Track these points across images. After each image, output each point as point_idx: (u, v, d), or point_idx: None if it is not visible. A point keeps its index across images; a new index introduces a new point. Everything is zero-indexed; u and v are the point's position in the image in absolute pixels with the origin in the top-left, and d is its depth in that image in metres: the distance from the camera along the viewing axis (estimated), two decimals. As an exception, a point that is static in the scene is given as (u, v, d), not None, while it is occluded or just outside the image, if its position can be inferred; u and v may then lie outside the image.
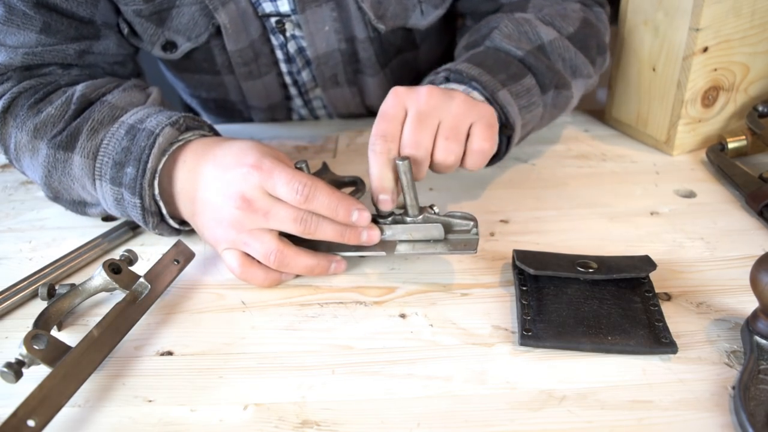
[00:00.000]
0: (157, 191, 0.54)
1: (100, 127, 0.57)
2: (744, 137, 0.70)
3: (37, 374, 0.43)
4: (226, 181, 0.51)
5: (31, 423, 0.39)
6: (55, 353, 0.44)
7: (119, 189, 0.55)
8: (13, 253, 0.61)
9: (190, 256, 0.57)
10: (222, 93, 0.81)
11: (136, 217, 0.56)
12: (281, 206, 0.51)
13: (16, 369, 0.42)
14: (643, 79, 0.74)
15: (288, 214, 0.51)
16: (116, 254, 0.58)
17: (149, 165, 0.53)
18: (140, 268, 0.54)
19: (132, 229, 0.63)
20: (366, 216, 0.52)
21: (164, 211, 0.56)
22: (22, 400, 0.40)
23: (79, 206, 0.63)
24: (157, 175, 0.54)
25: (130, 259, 0.54)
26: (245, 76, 0.76)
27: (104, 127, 0.57)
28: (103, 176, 0.55)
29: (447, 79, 0.61)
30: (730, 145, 0.70)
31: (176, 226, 0.58)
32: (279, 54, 0.76)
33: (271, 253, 0.52)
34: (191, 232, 0.60)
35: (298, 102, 0.84)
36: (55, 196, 0.62)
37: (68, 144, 0.57)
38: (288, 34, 0.73)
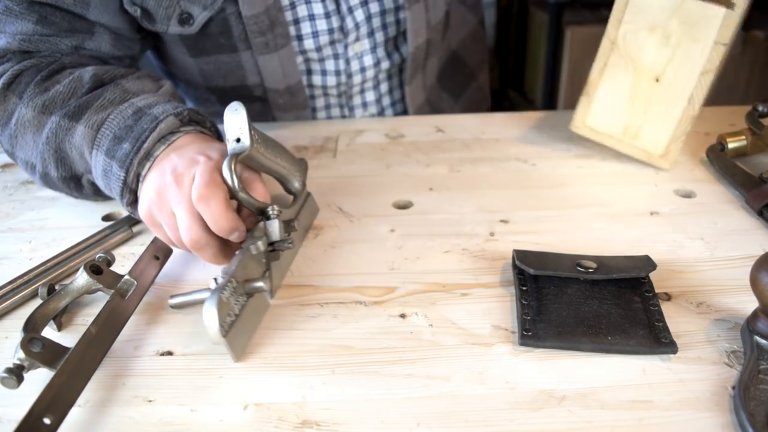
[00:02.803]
0: (144, 171, 0.55)
1: (110, 105, 0.59)
2: (744, 137, 0.70)
3: (36, 376, 0.43)
4: (153, 181, 0.54)
5: (47, 420, 0.40)
6: (53, 354, 0.44)
7: (110, 161, 0.56)
8: (13, 253, 0.61)
9: (168, 251, 0.58)
10: (240, 77, 0.81)
11: (116, 190, 0.57)
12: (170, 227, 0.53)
13: (17, 373, 0.43)
14: (639, 89, 0.70)
15: (174, 236, 0.53)
16: (116, 253, 0.58)
17: (145, 145, 0.55)
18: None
19: (131, 228, 0.63)
20: (243, 234, 0.53)
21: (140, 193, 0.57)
22: (26, 400, 0.40)
23: (72, 182, 0.63)
24: (151, 158, 0.55)
25: (108, 260, 0.54)
26: (261, 47, 0.76)
27: (113, 105, 0.59)
28: (101, 146, 0.57)
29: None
30: (730, 145, 0.70)
31: None
32: (292, 29, 0.77)
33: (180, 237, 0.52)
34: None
35: (315, 66, 0.83)
36: (46, 173, 0.63)
37: (74, 115, 0.59)
38: None
